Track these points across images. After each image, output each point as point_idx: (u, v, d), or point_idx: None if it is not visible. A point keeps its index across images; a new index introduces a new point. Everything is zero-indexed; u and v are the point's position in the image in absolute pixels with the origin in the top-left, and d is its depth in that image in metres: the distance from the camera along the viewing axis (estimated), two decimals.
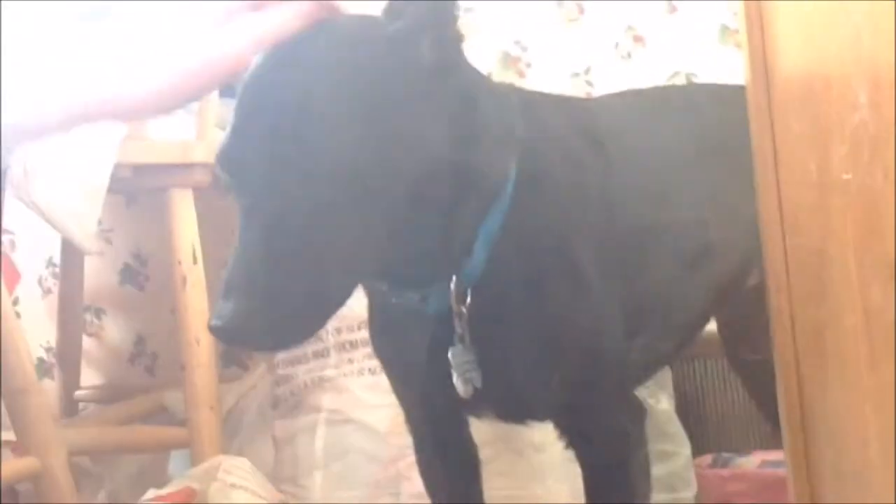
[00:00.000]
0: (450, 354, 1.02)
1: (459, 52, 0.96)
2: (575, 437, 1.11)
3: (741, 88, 0.93)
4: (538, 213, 1.02)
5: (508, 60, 2.32)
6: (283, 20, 0.87)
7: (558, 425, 1.11)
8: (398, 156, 0.88)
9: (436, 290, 1.00)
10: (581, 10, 2.30)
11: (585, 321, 1.06)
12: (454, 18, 0.93)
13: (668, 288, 1.19)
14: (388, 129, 0.88)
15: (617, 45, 2.29)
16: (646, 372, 1.27)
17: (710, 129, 1.29)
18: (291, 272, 0.84)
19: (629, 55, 2.28)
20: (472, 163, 0.96)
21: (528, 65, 2.33)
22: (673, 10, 2.26)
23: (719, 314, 1.54)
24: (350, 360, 1.81)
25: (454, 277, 0.99)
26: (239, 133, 0.87)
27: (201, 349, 1.83)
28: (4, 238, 2.51)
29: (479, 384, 1.02)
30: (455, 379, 1.03)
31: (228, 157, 0.88)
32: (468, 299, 1.00)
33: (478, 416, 1.16)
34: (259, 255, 0.84)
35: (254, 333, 0.84)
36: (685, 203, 1.21)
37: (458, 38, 0.94)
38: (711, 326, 1.41)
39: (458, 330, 1.01)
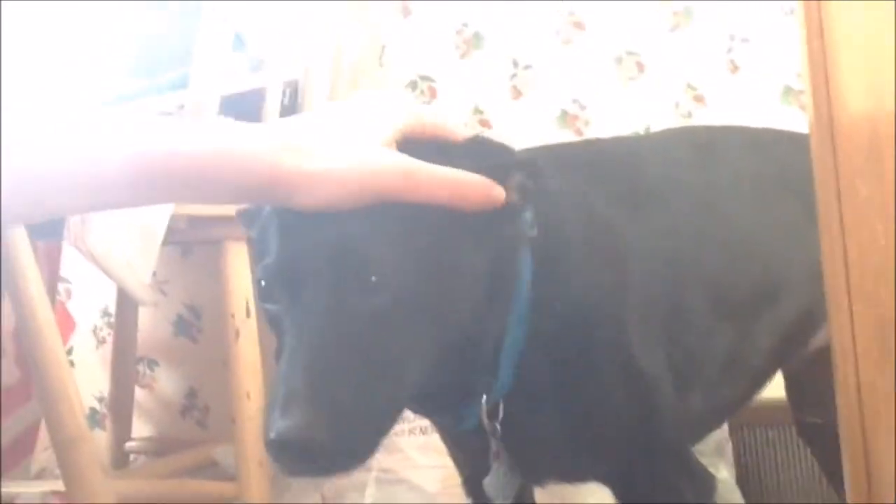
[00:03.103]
0: (485, 482, 1.00)
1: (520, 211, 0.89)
2: None
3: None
4: (562, 298, 0.96)
5: (567, 118, 2.31)
6: (432, 183, 0.82)
7: (617, 494, 1.06)
8: (446, 279, 0.85)
9: (469, 410, 0.96)
10: (641, 69, 2.29)
11: (629, 389, 1.00)
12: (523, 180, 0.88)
13: (722, 337, 1.13)
14: (441, 257, 0.84)
15: (677, 104, 2.27)
16: (707, 423, 1.23)
17: (778, 169, 1.24)
18: (355, 386, 0.79)
19: (689, 114, 2.26)
20: (494, 273, 0.90)
21: (587, 123, 2.31)
22: (735, 69, 2.24)
23: (787, 375, 1.50)
24: (402, 419, 1.79)
25: (484, 396, 0.95)
26: (292, 247, 0.83)
27: (252, 403, 1.81)
28: (60, 287, 2.54)
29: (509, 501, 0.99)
30: (492, 494, 0.99)
31: (282, 270, 0.83)
32: (500, 414, 0.95)
33: (539, 484, 1.12)
34: (320, 367, 0.78)
35: (324, 450, 0.76)
36: (742, 249, 1.16)
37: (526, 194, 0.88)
38: (773, 394, 1.37)
39: (493, 447, 0.97)
